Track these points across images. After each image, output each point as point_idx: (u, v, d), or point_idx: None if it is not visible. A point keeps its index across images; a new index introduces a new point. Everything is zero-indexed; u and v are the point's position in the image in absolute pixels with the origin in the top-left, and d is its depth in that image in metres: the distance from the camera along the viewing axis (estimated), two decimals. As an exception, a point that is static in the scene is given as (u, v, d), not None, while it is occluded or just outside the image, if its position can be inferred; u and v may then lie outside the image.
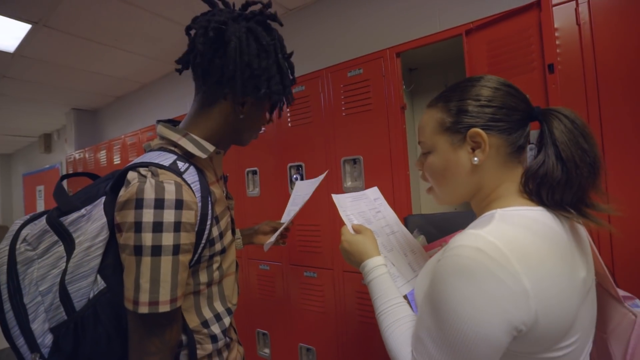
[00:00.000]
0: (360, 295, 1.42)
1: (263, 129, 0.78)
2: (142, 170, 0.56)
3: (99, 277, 0.55)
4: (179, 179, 0.56)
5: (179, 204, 0.54)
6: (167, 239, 0.53)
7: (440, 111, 0.57)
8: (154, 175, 0.55)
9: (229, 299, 0.70)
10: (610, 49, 0.96)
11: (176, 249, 0.54)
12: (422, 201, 1.66)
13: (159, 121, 0.68)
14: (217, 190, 0.67)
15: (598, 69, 0.97)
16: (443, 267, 0.47)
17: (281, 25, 0.68)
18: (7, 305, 0.57)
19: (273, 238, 0.95)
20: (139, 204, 0.52)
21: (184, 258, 0.56)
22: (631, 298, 0.59)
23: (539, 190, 0.50)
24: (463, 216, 0.96)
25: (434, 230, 0.93)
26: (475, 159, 0.54)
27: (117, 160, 2.84)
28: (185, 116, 0.70)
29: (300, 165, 1.62)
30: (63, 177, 0.69)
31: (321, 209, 1.51)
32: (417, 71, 1.68)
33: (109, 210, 0.57)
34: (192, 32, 0.65)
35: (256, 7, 0.67)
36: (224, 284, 0.69)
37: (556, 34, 1.01)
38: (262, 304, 1.77)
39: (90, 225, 0.57)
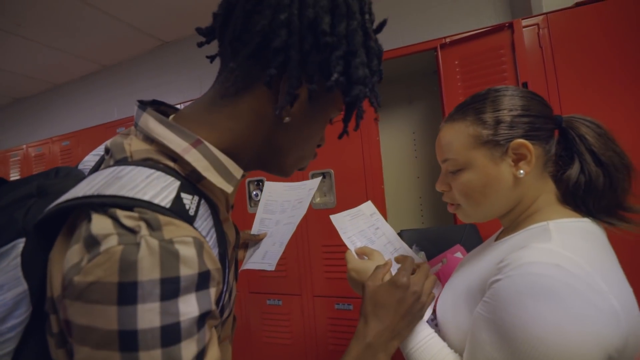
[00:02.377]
0: (333, 322, 1.30)
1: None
2: (124, 217, 0.29)
3: None
4: (197, 233, 0.32)
5: (205, 280, 0.30)
6: (190, 349, 0.29)
7: (472, 124, 0.53)
8: (153, 229, 0.29)
9: None
10: (569, 71, 1.04)
11: (201, 355, 0.30)
12: (390, 214, 1.63)
13: (142, 103, 0.41)
14: (230, 231, 0.45)
15: (560, 90, 1.05)
16: (512, 287, 0.41)
17: None
18: None
19: (263, 262, 0.75)
20: (128, 294, 0.27)
21: (213, 353, 0.32)
22: None
23: (586, 198, 0.49)
24: (455, 230, 0.93)
25: (428, 244, 0.88)
26: (521, 171, 0.50)
27: (15, 175, 2.29)
28: (187, 105, 0.44)
29: (261, 180, 1.46)
30: None
31: (287, 228, 1.37)
32: (380, 85, 1.67)
33: (33, 268, 0.32)
34: None
35: None
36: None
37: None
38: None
39: None
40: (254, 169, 0.46)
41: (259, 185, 1.47)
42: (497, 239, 0.60)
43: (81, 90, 2.66)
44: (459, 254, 0.89)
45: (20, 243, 0.32)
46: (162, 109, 0.44)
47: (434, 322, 0.65)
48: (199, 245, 0.30)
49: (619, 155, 0.49)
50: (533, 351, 0.37)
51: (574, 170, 0.50)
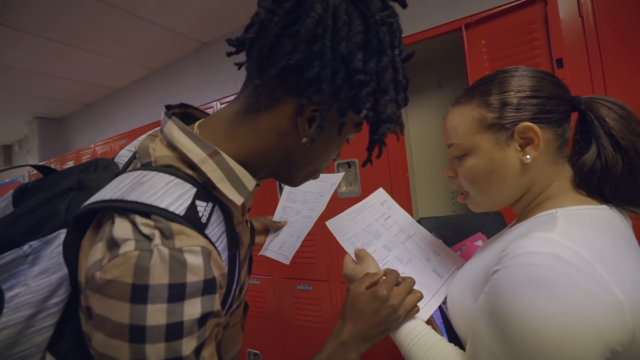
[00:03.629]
0: (360, 308, 1.33)
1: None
2: (142, 224, 0.33)
3: (49, 356, 0.36)
4: (205, 242, 0.35)
5: (210, 286, 0.34)
6: (190, 344, 0.33)
7: (477, 107, 0.51)
8: (166, 237, 0.33)
9: (225, 350, 0.50)
10: (614, 40, 0.93)
11: (199, 349, 0.34)
12: (419, 204, 1.59)
13: (169, 108, 0.45)
14: (244, 234, 0.48)
15: (604, 62, 0.94)
16: (509, 278, 0.40)
17: (404, 6, 0.41)
18: None
19: (280, 253, 0.77)
20: (139, 294, 0.31)
21: (210, 348, 0.37)
22: None
23: (601, 185, 0.46)
24: (477, 218, 0.90)
25: (449, 233, 0.86)
26: (528, 156, 0.48)
27: (86, 171, 2.63)
28: (211, 113, 0.47)
29: (291, 171, 1.52)
30: None
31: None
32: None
33: (72, 258, 0.36)
34: None
35: None
36: (225, 337, 0.49)
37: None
38: (253, 322, 1.64)
39: (38, 278, 0.36)
40: (268, 178, 0.49)
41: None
42: (510, 226, 0.58)
43: (136, 93, 2.93)
44: (479, 242, 0.87)
45: (62, 233, 0.37)
46: (189, 112, 0.48)
47: (445, 306, 0.65)
48: (207, 254, 0.34)
49: None
50: (529, 343, 0.37)
51: (590, 156, 0.47)
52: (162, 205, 0.34)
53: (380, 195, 0.79)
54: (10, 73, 2.48)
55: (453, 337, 0.56)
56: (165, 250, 0.32)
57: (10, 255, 0.36)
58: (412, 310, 0.55)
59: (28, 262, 0.36)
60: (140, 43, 2.23)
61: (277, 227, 0.83)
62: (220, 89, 2.31)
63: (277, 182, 1.54)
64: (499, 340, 0.40)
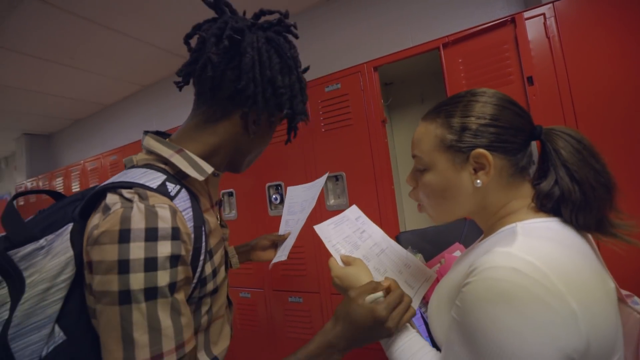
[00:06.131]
0: (351, 319, 1.35)
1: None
2: (126, 193, 0.45)
3: (57, 327, 0.44)
4: (173, 204, 0.47)
5: (176, 233, 0.44)
6: (164, 277, 0.42)
7: (440, 126, 0.53)
8: (142, 198, 0.45)
9: (214, 345, 0.58)
10: (579, 58, 1.00)
11: (172, 287, 0.44)
12: (406, 215, 1.63)
13: (146, 132, 0.58)
14: (211, 218, 0.57)
15: (570, 78, 1.01)
16: (474, 292, 0.42)
17: (297, 38, 0.61)
18: None
19: (282, 254, 0.85)
20: (124, 236, 0.41)
21: (185, 292, 0.47)
22: (630, 296, 0.57)
23: (560, 208, 0.48)
24: (454, 228, 0.93)
25: (427, 245, 0.89)
26: (478, 181, 0.51)
27: (75, 187, 2.61)
28: (177, 129, 0.60)
29: (280, 185, 1.55)
30: (16, 196, 0.56)
31: (304, 230, 1.44)
32: (392, 85, 1.69)
33: (77, 242, 0.46)
34: (193, 40, 0.56)
35: (272, 17, 0.60)
36: (211, 330, 0.57)
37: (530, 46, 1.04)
38: (245, 335, 1.63)
39: (50, 260, 0.45)
40: (225, 170, 0.64)
41: (278, 189, 1.56)
42: (480, 239, 0.60)
43: (126, 109, 2.95)
44: (458, 252, 0.90)
45: (70, 225, 0.47)
46: (162, 132, 0.63)
47: (425, 314, 0.68)
48: (173, 210, 0.46)
49: (597, 173, 0.47)
50: (493, 354, 0.39)
51: (547, 183, 0.49)
52: (141, 181, 0.48)
53: (354, 211, 0.83)
54: (0, 90, 2.49)
55: (432, 339, 0.59)
56: (142, 205, 0.44)
57: (30, 247, 0.46)
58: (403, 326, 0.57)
59: (42, 253, 0.46)
60: (129, 60, 2.26)
61: (283, 239, 0.90)
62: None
63: (267, 198, 1.57)
64: (467, 351, 0.42)
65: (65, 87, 2.58)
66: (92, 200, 0.47)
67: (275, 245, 0.92)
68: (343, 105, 1.38)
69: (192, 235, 0.49)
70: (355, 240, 0.75)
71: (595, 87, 0.97)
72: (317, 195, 0.87)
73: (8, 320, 0.42)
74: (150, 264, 0.42)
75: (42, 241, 0.46)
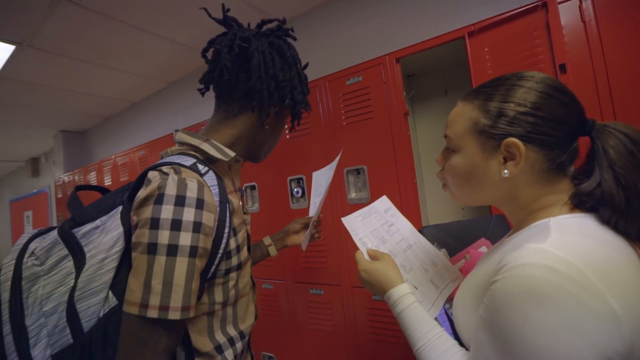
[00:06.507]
0: (372, 312, 1.35)
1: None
2: (164, 169, 0.55)
3: (110, 293, 0.52)
4: (201, 179, 0.55)
5: (200, 204, 0.52)
6: (185, 238, 0.50)
7: (476, 109, 0.50)
8: (177, 172, 0.54)
9: (242, 321, 0.65)
10: (618, 43, 0.94)
11: (193, 251, 0.50)
12: (429, 209, 1.61)
13: (176, 130, 0.68)
14: (234, 200, 0.64)
15: (608, 65, 0.95)
16: (504, 290, 0.40)
17: (295, 39, 0.71)
18: (6, 328, 0.51)
19: (308, 235, 0.92)
20: (159, 199, 0.50)
21: (200, 263, 0.53)
22: None
23: (599, 209, 0.44)
24: (480, 223, 0.90)
25: (452, 241, 0.87)
26: (506, 171, 0.48)
27: (107, 181, 2.75)
28: (200, 124, 0.68)
29: (301, 178, 1.56)
30: (78, 188, 0.66)
31: (325, 223, 1.45)
32: (415, 77, 1.65)
33: (126, 220, 0.54)
34: (209, 53, 0.67)
35: (272, 25, 0.70)
36: (238, 306, 0.64)
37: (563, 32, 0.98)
38: (267, 325, 1.68)
39: (105, 236, 0.54)
40: (246, 159, 0.72)
41: (300, 183, 1.58)
42: (509, 235, 0.58)
43: (152, 106, 3.06)
44: (484, 248, 0.87)
45: (120, 207, 0.57)
46: (190, 129, 0.72)
47: (450, 311, 0.67)
48: (200, 184, 0.54)
49: None
50: (526, 355, 0.37)
51: (589, 184, 0.45)
52: (176, 161, 0.57)
53: (384, 202, 0.82)
54: (39, 90, 2.64)
55: (458, 337, 0.58)
56: (176, 177, 0.52)
57: (88, 226, 0.56)
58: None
59: (98, 232, 0.55)
60: (155, 58, 2.33)
61: (313, 220, 0.95)
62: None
63: (289, 192, 1.59)
64: (498, 351, 0.40)
65: (97, 86, 2.71)
66: (138, 182, 0.57)
67: (307, 227, 0.97)
68: (364, 99, 1.37)
69: (218, 209, 0.56)
70: (382, 234, 0.74)
71: (637, 75, 0.91)
72: (332, 174, 0.90)
73: (74, 287, 0.52)
74: (176, 225, 0.49)
75: (97, 221, 0.56)
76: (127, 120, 3.36)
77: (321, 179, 0.99)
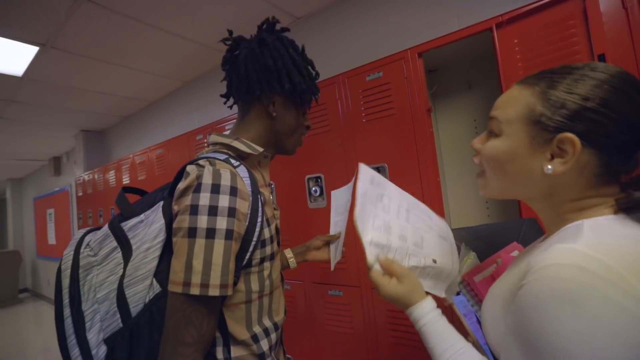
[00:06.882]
0: (392, 315, 1.32)
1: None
2: (201, 162, 0.60)
3: (154, 280, 0.56)
4: (234, 170, 0.59)
5: (234, 191, 0.56)
6: (221, 222, 0.54)
7: (536, 95, 0.45)
8: (212, 164, 0.58)
9: (276, 313, 0.68)
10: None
11: (229, 234, 0.55)
12: (451, 208, 1.56)
13: (210, 134, 0.73)
14: (266, 192, 0.68)
15: (652, 55, 0.88)
16: (532, 294, 0.37)
17: (288, 30, 0.75)
18: (67, 311, 0.57)
19: (337, 255, 0.90)
20: (197, 188, 0.55)
21: (235, 246, 0.56)
22: None
23: None
24: (511, 226, 0.86)
25: (482, 245, 0.82)
26: (550, 167, 0.43)
27: (126, 179, 2.79)
28: (217, 123, 0.68)
29: (320, 177, 1.53)
30: (124, 189, 0.72)
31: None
32: (436, 72, 1.60)
33: (167, 213, 0.59)
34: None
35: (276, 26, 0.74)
36: (273, 297, 0.67)
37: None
38: (285, 326, 1.65)
39: (148, 228, 0.59)
40: (276, 153, 0.76)
41: (318, 181, 1.55)
42: (542, 239, 0.54)
43: (169, 105, 3.09)
44: (516, 252, 0.83)
45: (161, 202, 0.61)
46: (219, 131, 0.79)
47: (478, 314, 0.63)
48: (233, 174, 0.58)
49: None
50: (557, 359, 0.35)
51: None
52: (211, 156, 0.63)
53: (364, 172, 0.70)
54: (61, 91, 2.70)
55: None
56: (211, 168, 0.57)
57: (134, 220, 0.62)
58: None
59: (143, 224, 0.61)
60: (172, 57, 2.35)
61: (335, 238, 0.93)
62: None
63: (306, 191, 1.56)
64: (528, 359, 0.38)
65: (116, 86, 2.75)
66: (178, 176, 0.61)
67: (328, 244, 0.97)
68: (385, 95, 1.33)
69: (251, 198, 0.59)
70: (385, 220, 0.66)
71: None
72: (351, 192, 0.85)
73: (122, 275, 0.57)
74: (212, 210, 0.54)
75: (142, 216, 0.62)
76: (144, 119, 3.41)
77: (341, 199, 0.96)
